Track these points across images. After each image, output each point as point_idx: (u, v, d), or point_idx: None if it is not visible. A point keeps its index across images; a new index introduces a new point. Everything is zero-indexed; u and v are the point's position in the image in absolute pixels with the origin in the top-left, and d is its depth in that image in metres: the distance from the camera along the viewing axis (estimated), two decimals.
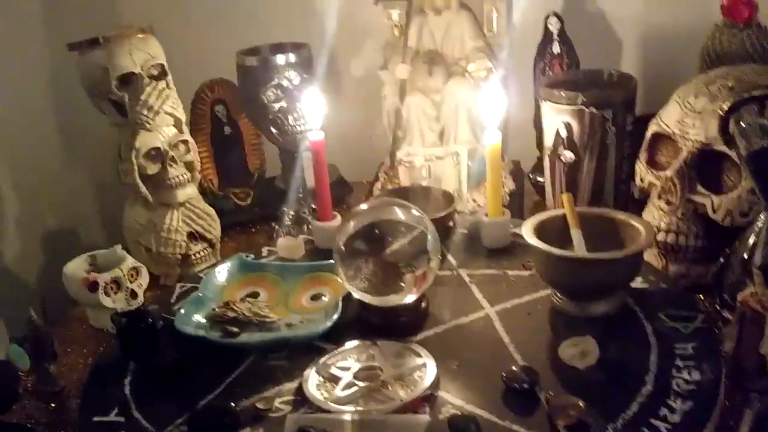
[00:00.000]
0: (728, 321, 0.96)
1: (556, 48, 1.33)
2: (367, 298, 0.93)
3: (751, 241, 0.92)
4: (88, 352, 1.07)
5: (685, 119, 1.02)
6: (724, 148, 0.98)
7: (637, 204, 1.19)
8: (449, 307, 1.00)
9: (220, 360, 0.93)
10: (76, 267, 1.11)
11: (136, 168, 1.15)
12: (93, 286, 1.06)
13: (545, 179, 1.26)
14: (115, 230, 1.42)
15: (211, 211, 1.26)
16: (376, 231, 0.93)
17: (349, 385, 0.84)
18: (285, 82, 1.26)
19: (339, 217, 1.18)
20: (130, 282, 1.09)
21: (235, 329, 0.96)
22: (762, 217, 0.91)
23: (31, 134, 1.38)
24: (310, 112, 1.15)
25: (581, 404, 0.76)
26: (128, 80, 1.12)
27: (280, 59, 1.25)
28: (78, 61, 1.13)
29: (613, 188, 1.19)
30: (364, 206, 0.98)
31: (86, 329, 1.13)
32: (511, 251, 1.12)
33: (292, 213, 1.33)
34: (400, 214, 0.93)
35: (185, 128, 1.20)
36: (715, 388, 0.80)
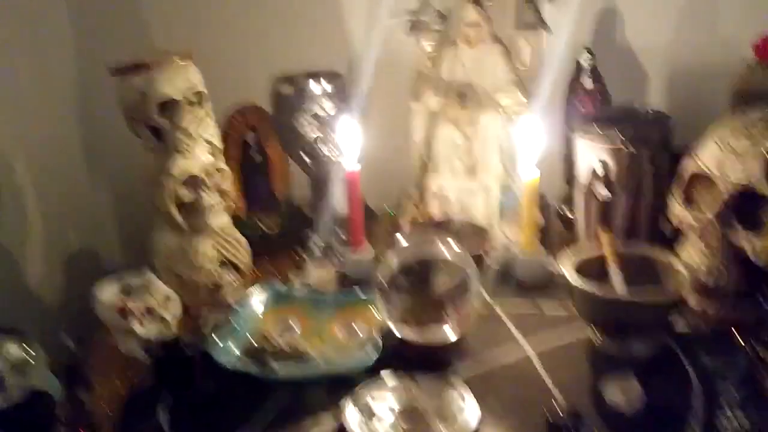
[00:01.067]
0: None
1: (588, 83, 1.34)
2: (408, 335, 0.92)
3: None
4: (117, 379, 1.06)
5: (725, 161, 1.02)
6: (767, 191, 0.98)
7: (667, 241, 1.19)
8: (486, 344, 0.99)
9: (256, 392, 0.92)
10: (108, 292, 1.10)
11: (171, 194, 1.14)
12: (125, 313, 1.05)
13: (578, 215, 1.25)
14: (137, 253, 1.41)
15: (243, 239, 1.25)
16: (417, 267, 0.92)
17: (392, 426, 0.83)
18: (320, 112, 1.26)
19: (370, 248, 1.17)
20: (163, 310, 1.08)
21: (273, 362, 0.96)
22: None
23: (57, 154, 1.38)
24: (347, 143, 1.15)
25: None
26: (168, 106, 1.12)
27: (316, 89, 1.25)
28: (117, 86, 1.13)
29: (648, 226, 1.19)
30: (405, 242, 0.97)
31: (115, 355, 1.12)
32: (546, 287, 1.12)
33: (321, 242, 1.33)
34: (444, 252, 0.92)
35: (221, 156, 1.19)
36: None
